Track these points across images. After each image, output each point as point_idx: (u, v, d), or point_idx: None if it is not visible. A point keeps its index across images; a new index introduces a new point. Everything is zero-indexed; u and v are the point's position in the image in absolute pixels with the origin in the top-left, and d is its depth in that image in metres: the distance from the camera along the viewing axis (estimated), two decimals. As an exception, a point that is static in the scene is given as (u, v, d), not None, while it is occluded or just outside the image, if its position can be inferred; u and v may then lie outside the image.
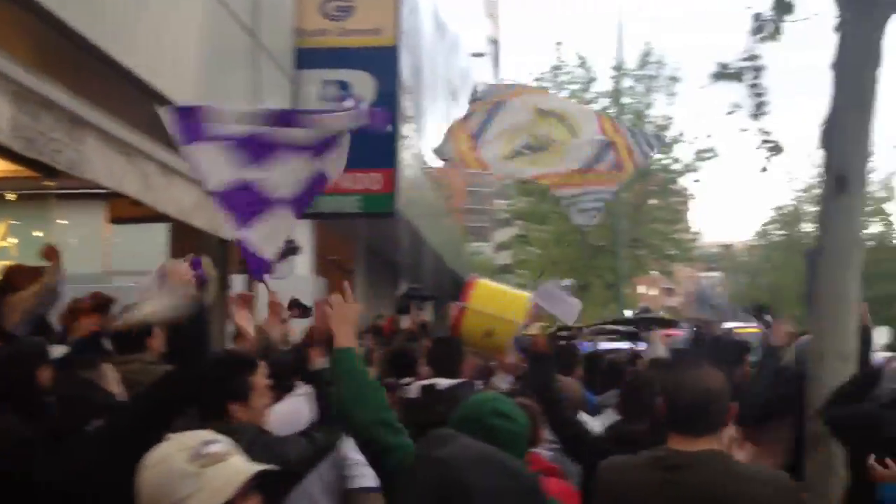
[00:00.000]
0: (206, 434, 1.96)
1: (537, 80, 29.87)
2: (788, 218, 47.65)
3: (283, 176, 4.34)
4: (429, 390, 4.33)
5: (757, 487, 2.53)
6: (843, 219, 5.17)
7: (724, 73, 6.68)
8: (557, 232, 28.45)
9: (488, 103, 6.66)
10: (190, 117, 4.14)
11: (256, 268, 4.35)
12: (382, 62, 9.41)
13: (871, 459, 3.71)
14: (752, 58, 6.57)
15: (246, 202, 4.29)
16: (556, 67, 28.96)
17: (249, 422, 3.13)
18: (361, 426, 2.65)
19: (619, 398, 4.78)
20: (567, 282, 23.87)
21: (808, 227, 38.84)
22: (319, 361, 3.43)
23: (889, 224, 47.81)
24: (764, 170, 7.10)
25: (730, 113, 7.01)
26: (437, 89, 15.10)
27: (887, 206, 47.14)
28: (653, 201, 29.97)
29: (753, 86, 6.66)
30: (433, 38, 14.33)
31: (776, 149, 6.97)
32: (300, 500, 3.40)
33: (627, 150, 6.71)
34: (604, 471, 2.81)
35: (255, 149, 4.24)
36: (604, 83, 28.59)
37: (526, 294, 6.23)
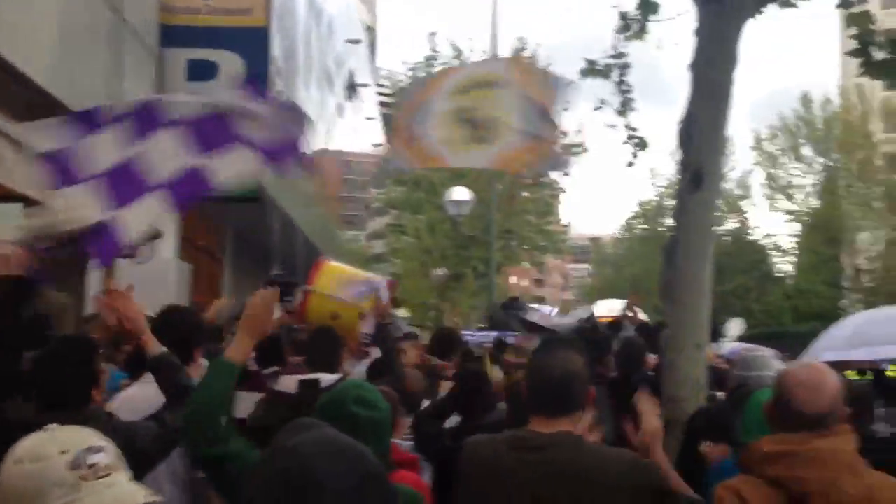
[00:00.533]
0: (91, 436, 1.75)
1: (411, 69, 29.98)
2: (651, 212, 49.50)
3: (160, 155, 4.14)
4: (309, 386, 4.14)
5: (611, 465, 2.60)
6: (698, 213, 5.40)
7: (592, 70, 6.85)
8: (431, 221, 28.61)
9: (412, 106, 6.66)
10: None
11: (107, 252, 4.08)
12: (252, 43, 9.16)
13: (704, 445, 3.91)
14: (619, 55, 6.78)
15: (123, 182, 4.09)
16: (431, 57, 29.14)
17: (97, 407, 3.03)
18: (206, 436, 2.61)
19: (449, 393, 4.82)
20: (440, 271, 23.90)
21: (669, 221, 40.34)
22: (155, 348, 3.32)
23: (745, 220, 50.31)
24: (630, 164, 7.34)
25: (597, 109, 7.21)
26: (311, 74, 14.89)
27: (744, 203, 49.62)
28: (525, 194, 30.54)
29: (620, 83, 6.87)
30: (307, 22, 14.11)
31: (641, 144, 7.21)
32: (147, 486, 3.30)
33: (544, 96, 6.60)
34: (467, 450, 2.84)
35: (142, 123, 4.07)
36: (479, 75, 28.88)
37: (376, 278, 6.26)
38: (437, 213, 26.00)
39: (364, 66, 23.90)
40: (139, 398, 3.42)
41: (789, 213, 47.08)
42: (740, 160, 65.99)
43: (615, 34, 6.66)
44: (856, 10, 5.12)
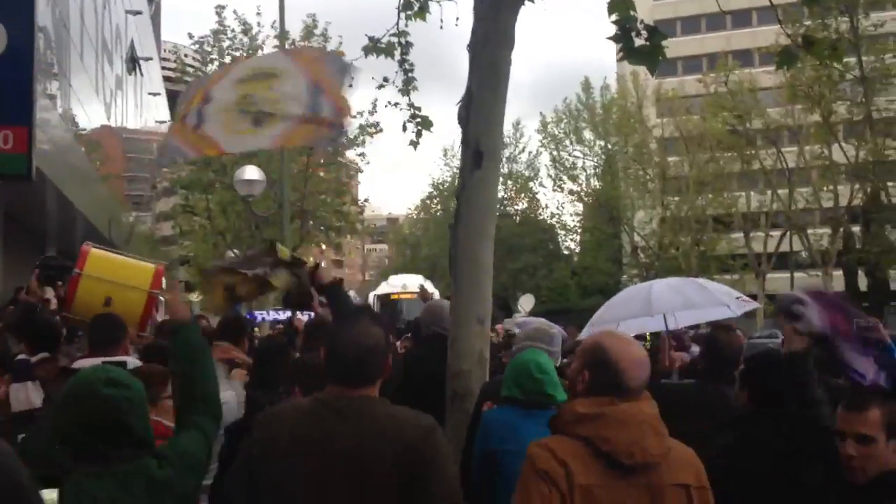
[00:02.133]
0: None
1: (197, 42, 28.91)
2: (446, 192, 50.58)
3: None
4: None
5: (406, 428, 2.67)
6: (478, 190, 5.53)
7: (375, 48, 6.85)
8: (222, 202, 27.79)
9: (194, 97, 6.34)
10: None
11: None
12: (15, 10, 8.47)
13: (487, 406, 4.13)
14: (401, 34, 6.81)
15: None
16: (218, 31, 28.22)
17: None
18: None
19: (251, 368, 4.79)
20: (233, 253, 23.18)
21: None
22: None
23: (533, 200, 52.42)
24: (414, 144, 7.37)
25: (380, 87, 7.22)
26: (87, 46, 14.01)
27: (532, 184, 51.69)
28: (320, 173, 30.27)
29: (402, 61, 6.91)
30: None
31: (425, 124, 7.29)
32: None
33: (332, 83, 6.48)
34: (259, 420, 2.84)
35: None
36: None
37: (152, 265, 6.05)
38: (229, 193, 25.26)
39: (147, 38, 22.80)
40: None
41: (573, 193, 49.56)
42: (530, 142, 68.51)
43: (397, 12, 6.70)
44: (618, -4, 5.38)
